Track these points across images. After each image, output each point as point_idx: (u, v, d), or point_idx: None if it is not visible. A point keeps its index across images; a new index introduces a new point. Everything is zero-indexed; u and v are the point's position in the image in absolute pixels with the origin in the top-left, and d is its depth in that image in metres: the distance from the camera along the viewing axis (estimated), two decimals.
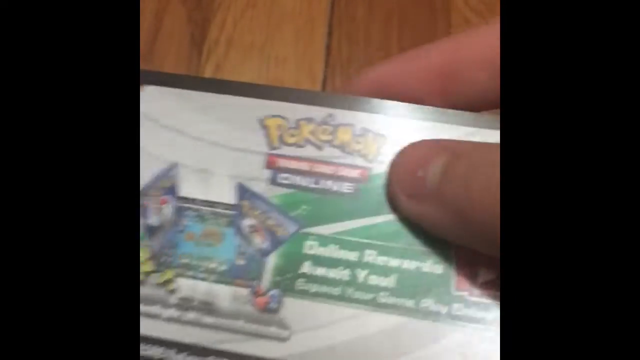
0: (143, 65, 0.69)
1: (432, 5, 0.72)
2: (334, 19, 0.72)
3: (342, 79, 0.69)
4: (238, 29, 0.72)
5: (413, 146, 0.26)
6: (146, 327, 0.25)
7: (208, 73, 0.69)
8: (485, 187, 0.23)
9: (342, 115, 0.27)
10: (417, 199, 0.25)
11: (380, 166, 0.27)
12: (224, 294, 0.25)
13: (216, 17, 0.72)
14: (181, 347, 0.24)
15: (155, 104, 0.27)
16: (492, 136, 0.27)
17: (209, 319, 0.25)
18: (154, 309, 0.25)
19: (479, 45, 0.30)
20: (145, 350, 0.24)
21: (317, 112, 0.27)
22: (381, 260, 0.26)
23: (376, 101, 0.28)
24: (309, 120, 0.27)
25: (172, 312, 0.25)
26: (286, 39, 0.71)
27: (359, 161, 0.27)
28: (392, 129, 0.28)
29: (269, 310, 0.25)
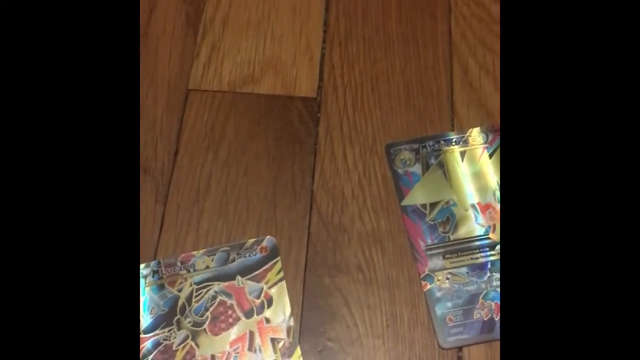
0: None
1: None
2: None
3: (340, 56, 0.68)
4: (234, 6, 0.71)
5: None
6: None
7: (204, 52, 0.69)
8: None
9: None
10: None
11: None
12: None
13: None
14: None
15: None
16: None
17: None
18: None
19: None
20: None
21: None
22: None
23: None
24: None
25: None
26: (283, 16, 0.70)
27: None
28: None
29: None
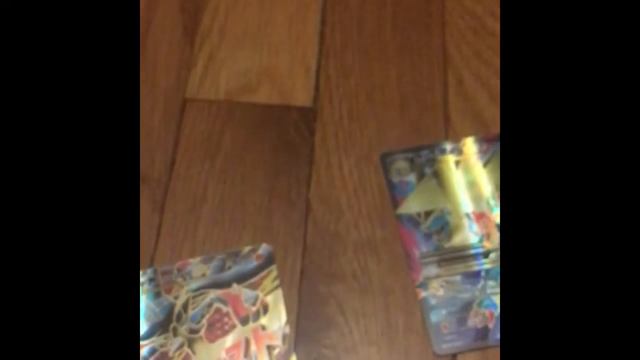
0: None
1: None
2: (327, 5, 0.72)
3: (336, 67, 0.69)
4: (230, 17, 0.72)
5: None
6: None
7: (201, 62, 0.69)
8: None
9: None
10: None
11: None
12: None
13: (208, 5, 0.72)
14: None
15: None
16: None
17: None
18: None
19: None
20: None
21: None
22: None
23: None
24: None
25: None
26: (279, 27, 0.71)
27: None
28: None
29: None
